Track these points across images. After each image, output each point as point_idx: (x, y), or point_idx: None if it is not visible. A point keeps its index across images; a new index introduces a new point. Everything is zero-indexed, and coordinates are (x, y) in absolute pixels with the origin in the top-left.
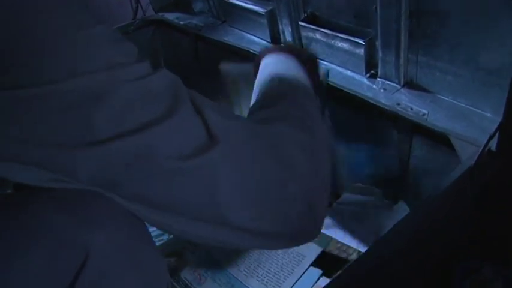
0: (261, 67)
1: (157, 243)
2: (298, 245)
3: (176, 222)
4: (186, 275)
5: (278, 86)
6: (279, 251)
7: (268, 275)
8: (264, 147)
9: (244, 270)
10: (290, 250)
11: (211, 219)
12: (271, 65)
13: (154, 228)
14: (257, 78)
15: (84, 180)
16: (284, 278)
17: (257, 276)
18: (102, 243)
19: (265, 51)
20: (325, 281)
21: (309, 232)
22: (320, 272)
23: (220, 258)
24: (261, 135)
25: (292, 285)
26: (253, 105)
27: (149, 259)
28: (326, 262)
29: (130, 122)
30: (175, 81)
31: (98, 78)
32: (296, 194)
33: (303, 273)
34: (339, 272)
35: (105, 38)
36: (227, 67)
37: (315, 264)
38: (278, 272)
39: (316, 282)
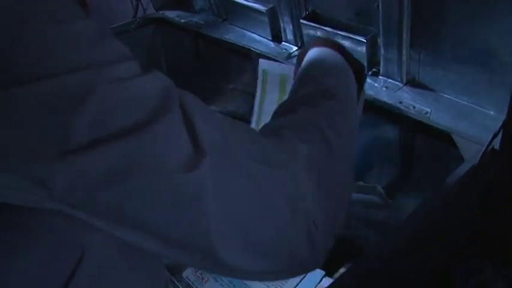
0: (304, 60)
1: None
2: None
3: (155, 246)
4: (188, 274)
5: (313, 88)
6: None
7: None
8: (263, 168)
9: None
10: None
11: (199, 250)
12: (316, 61)
13: None
14: (298, 72)
15: (57, 192)
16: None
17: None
18: (98, 243)
19: (314, 43)
20: (328, 281)
21: (310, 265)
22: (323, 272)
23: None
24: (263, 151)
25: (295, 286)
26: (279, 106)
27: (147, 258)
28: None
29: (109, 128)
30: (165, 85)
31: (74, 78)
32: (298, 227)
33: (306, 274)
34: (340, 272)
35: (86, 34)
36: (266, 64)
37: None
38: None
39: (319, 283)
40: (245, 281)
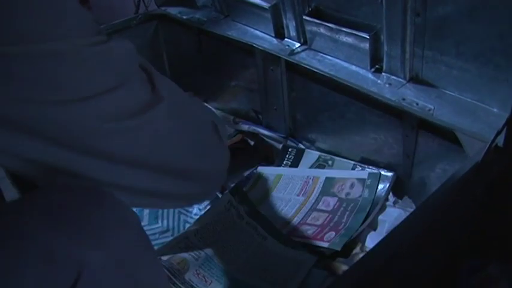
0: None
1: (159, 245)
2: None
3: (118, 171)
4: (191, 277)
5: None
6: (278, 257)
7: (274, 276)
8: (196, 111)
9: (248, 274)
10: (289, 256)
11: (155, 167)
12: None
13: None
14: None
15: (48, 135)
16: (290, 278)
17: (262, 278)
18: (97, 260)
19: None
20: (330, 280)
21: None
22: (325, 273)
23: (222, 265)
24: (193, 102)
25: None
26: None
27: (149, 276)
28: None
29: (91, 87)
30: (130, 49)
31: (65, 43)
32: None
33: (308, 274)
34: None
35: (73, 7)
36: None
37: (319, 264)
38: (282, 274)
39: (322, 283)
40: (250, 283)
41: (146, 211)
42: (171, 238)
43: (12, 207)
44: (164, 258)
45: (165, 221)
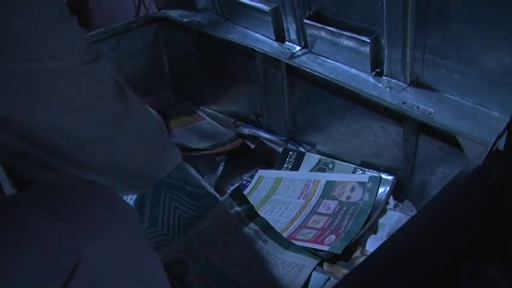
0: None
1: (159, 248)
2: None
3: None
4: (191, 280)
5: None
6: (279, 260)
7: (275, 279)
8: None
9: (249, 278)
10: (289, 259)
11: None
12: None
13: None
14: None
15: None
16: (291, 282)
17: (263, 282)
18: (95, 251)
19: None
20: (332, 283)
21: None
22: (326, 277)
23: (223, 268)
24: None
25: None
26: None
27: (148, 268)
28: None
29: (79, 100)
30: (111, 69)
31: (57, 62)
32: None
33: (309, 277)
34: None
35: (70, 30)
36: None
37: (319, 267)
38: (283, 277)
39: (323, 286)
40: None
41: (147, 214)
42: (171, 241)
43: (13, 199)
44: (165, 261)
45: (165, 224)
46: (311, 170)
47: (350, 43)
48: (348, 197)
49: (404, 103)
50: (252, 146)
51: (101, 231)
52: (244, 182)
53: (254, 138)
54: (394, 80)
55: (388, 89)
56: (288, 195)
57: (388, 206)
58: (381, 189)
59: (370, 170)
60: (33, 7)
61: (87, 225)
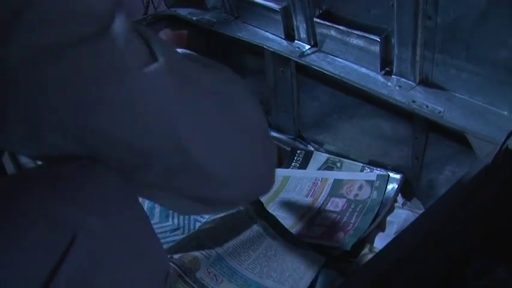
0: None
1: (170, 243)
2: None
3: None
4: (202, 275)
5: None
6: (288, 257)
7: (284, 275)
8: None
9: (258, 273)
10: (299, 256)
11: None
12: None
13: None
14: None
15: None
16: (300, 278)
17: (272, 278)
18: (93, 225)
19: None
20: (340, 280)
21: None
22: (334, 274)
23: (233, 264)
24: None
25: (309, 286)
26: None
27: (147, 245)
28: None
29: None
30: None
31: None
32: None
33: (318, 274)
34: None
35: None
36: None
37: (328, 264)
38: (292, 273)
39: (331, 283)
40: (260, 282)
41: (157, 209)
42: (181, 236)
43: (17, 176)
44: (176, 256)
45: (175, 219)
46: (319, 169)
47: (360, 42)
48: (356, 195)
49: (414, 102)
50: None
51: (104, 207)
52: None
53: None
54: (403, 79)
55: (397, 88)
56: (296, 193)
57: (396, 204)
58: (389, 187)
59: (378, 169)
60: None
61: (89, 200)
